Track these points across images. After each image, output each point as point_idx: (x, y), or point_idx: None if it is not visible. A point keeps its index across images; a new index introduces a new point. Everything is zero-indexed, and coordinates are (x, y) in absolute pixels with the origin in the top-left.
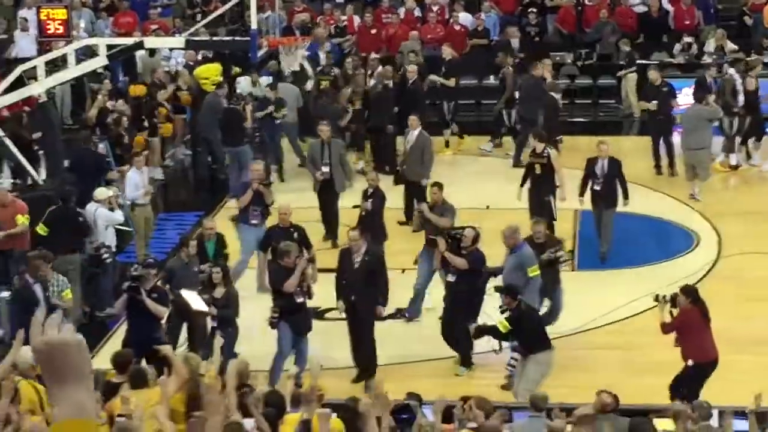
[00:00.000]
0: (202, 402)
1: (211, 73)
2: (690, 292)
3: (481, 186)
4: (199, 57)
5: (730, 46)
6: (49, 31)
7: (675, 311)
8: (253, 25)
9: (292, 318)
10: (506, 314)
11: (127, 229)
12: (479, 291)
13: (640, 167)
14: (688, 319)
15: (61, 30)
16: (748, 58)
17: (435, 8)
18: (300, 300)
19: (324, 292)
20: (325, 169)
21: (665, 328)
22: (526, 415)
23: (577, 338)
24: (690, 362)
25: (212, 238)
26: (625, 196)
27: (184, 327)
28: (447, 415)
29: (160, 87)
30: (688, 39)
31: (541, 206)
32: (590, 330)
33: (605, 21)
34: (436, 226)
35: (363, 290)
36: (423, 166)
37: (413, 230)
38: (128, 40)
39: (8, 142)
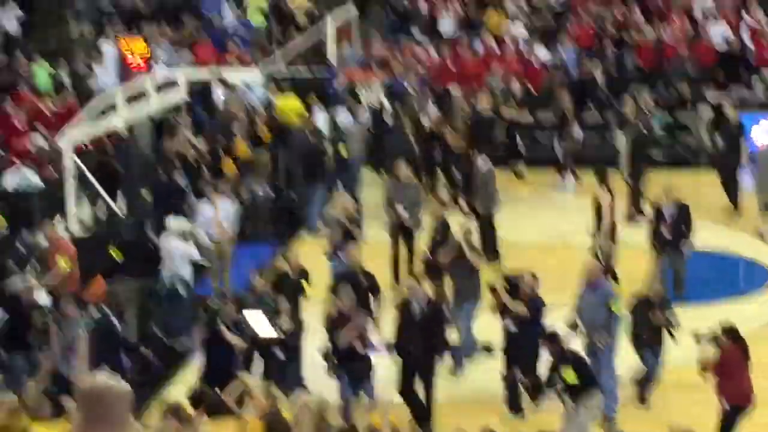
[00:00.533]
0: None
1: (293, 107)
2: (731, 331)
3: (549, 220)
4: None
5: None
6: (129, 64)
7: (716, 350)
8: (332, 60)
9: (350, 365)
10: (565, 364)
11: (202, 262)
12: (537, 341)
13: (713, 202)
14: (728, 359)
15: (141, 62)
16: None
17: (512, 44)
18: (359, 350)
19: None
20: (401, 210)
21: (706, 368)
22: None
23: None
24: (726, 404)
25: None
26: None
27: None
28: None
29: (238, 120)
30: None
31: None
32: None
33: (683, 57)
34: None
35: (423, 343)
36: (491, 199)
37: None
38: (207, 73)
39: (88, 174)
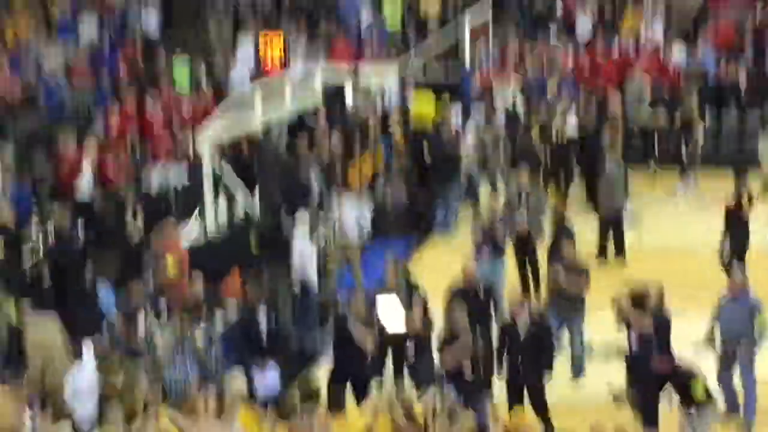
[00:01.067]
0: None
1: (428, 111)
2: None
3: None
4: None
5: None
6: (267, 63)
7: None
8: (467, 60)
9: (459, 385)
10: (694, 379)
11: (330, 263)
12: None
13: None
14: None
15: (277, 61)
16: None
17: (649, 45)
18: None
19: None
20: (522, 218)
21: None
22: None
23: None
24: None
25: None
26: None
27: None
28: None
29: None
30: None
31: None
32: None
33: None
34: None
35: (530, 362)
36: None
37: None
38: (343, 73)
39: (227, 171)
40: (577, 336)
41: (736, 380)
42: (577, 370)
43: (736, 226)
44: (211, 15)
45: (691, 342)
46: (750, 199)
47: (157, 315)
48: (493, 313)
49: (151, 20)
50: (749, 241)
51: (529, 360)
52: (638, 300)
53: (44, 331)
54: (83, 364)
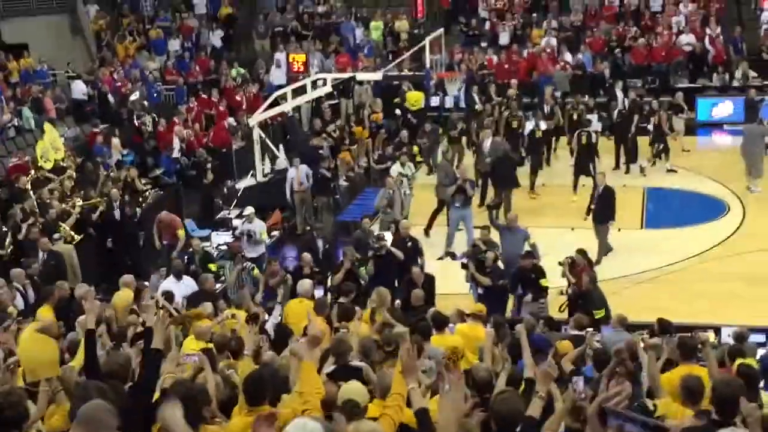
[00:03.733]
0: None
1: (417, 97)
2: (584, 253)
3: None
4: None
5: (752, 73)
6: (294, 69)
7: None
8: (427, 63)
9: None
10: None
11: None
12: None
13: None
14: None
15: (302, 68)
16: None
17: (548, 49)
18: None
19: None
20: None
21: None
22: (612, 329)
23: (641, 276)
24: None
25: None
26: (612, 218)
27: None
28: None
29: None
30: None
31: None
32: (653, 270)
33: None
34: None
35: None
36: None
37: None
38: (345, 75)
39: (269, 141)
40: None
41: None
42: None
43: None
44: (257, 36)
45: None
46: None
47: None
48: None
49: (216, 40)
50: None
51: None
52: (480, 263)
53: None
54: None
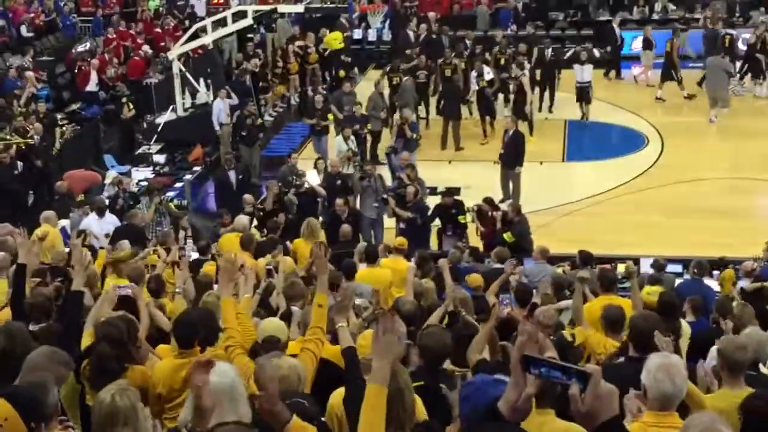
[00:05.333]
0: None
1: (336, 36)
2: (491, 202)
3: None
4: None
5: (671, 6)
6: (213, 1)
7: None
8: None
9: None
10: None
11: None
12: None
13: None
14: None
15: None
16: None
17: None
18: None
19: None
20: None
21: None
22: (534, 261)
23: (563, 208)
24: None
25: None
26: (520, 164)
27: None
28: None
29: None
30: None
31: None
32: (575, 202)
33: None
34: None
35: None
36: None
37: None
38: (267, 7)
39: (188, 74)
40: None
41: None
42: None
43: None
44: None
45: None
46: None
47: None
48: None
49: None
50: None
51: None
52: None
53: None
54: None
